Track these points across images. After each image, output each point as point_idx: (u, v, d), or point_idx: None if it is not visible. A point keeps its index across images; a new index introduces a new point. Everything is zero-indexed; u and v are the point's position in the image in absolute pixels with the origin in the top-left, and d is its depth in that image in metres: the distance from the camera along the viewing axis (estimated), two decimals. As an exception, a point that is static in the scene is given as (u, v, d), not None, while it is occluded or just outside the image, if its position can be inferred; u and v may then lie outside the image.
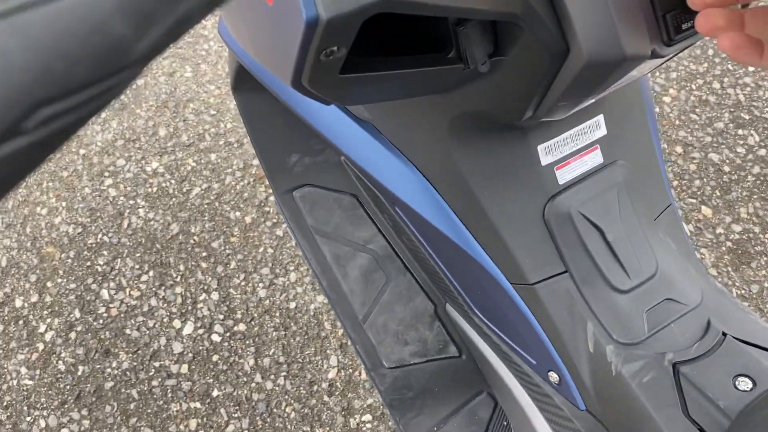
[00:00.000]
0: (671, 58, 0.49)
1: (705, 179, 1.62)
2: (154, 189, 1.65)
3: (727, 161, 1.64)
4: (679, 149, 1.66)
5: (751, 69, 1.77)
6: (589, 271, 0.73)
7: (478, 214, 0.74)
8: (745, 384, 0.65)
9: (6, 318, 1.50)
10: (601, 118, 0.71)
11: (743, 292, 1.46)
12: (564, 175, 0.72)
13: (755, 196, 1.58)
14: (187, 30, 0.21)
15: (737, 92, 1.74)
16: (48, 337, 1.47)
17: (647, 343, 0.71)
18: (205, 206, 1.61)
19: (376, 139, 0.77)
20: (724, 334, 0.70)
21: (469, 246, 0.77)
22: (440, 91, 0.59)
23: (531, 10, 0.45)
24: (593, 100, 0.62)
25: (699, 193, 1.60)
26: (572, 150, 0.71)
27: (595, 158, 0.73)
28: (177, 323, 1.47)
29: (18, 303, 1.52)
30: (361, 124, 0.77)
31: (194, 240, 1.57)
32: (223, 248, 1.56)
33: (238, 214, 1.60)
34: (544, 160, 0.71)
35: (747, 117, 1.70)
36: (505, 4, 0.44)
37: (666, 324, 0.72)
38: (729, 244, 1.53)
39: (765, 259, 1.50)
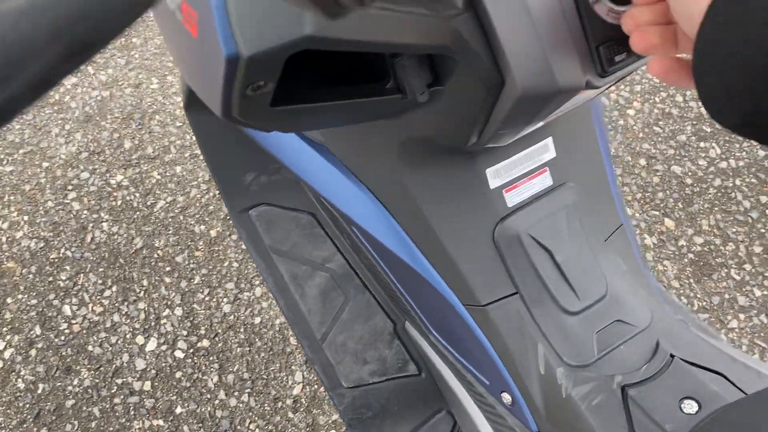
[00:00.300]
0: (609, 87, 0.49)
1: (668, 191, 1.64)
2: (119, 202, 1.63)
3: (690, 174, 1.66)
4: (642, 162, 1.68)
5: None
6: (539, 293, 0.73)
7: (430, 237, 0.74)
8: (690, 407, 0.66)
9: (-36, 335, 1.47)
10: (549, 140, 0.72)
11: (704, 303, 1.48)
12: (513, 198, 0.72)
13: (716, 209, 1.61)
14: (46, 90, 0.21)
15: (699, 105, 1.77)
16: (7, 354, 1.44)
17: (597, 365, 0.71)
18: (170, 220, 1.60)
19: (329, 161, 0.76)
20: (672, 356, 0.70)
21: (422, 268, 0.77)
22: (383, 118, 0.59)
23: (463, 43, 0.45)
24: (540, 125, 0.62)
25: (662, 205, 1.62)
26: (521, 173, 0.72)
27: (544, 181, 0.73)
28: (140, 339, 1.45)
29: (-23, 320, 1.49)
30: (314, 147, 0.77)
31: (158, 254, 1.56)
32: (187, 262, 1.54)
33: (203, 227, 1.59)
34: (493, 183, 0.71)
35: (708, 130, 1.73)
36: (434, 37, 0.44)
37: (615, 346, 0.72)
38: (691, 256, 1.55)
39: (725, 270, 1.52)
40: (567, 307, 0.72)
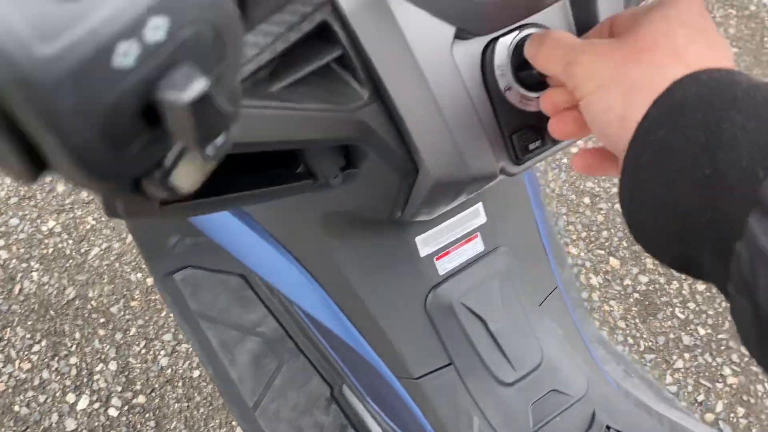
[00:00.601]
0: (523, 171, 0.47)
1: (612, 230, 1.65)
2: (50, 250, 1.56)
3: (633, 212, 1.67)
4: (587, 200, 1.69)
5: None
6: (473, 364, 0.71)
7: (360, 308, 0.71)
8: (626, 481, 0.64)
9: None
10: (479, 206, 0.70)
11: (650, 344, 1.48)
12: (444, 265, 0.70)
13: (660, 247, 1.62)
14: None
15: (641, 143, 1.79)
16: (-75, 418, 1.35)
17: (533, 438, 0.69)
18: (105, 268, 1.53)
19: (253, 229, 0.73)
20: (608, 428, 0.68)
21: (353, 339, 0.74)
22: (298, 194, 0.56)
23: (371, 134, 0.42)
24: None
25: (607, 244, 1.62)
26: (451, 240, 0.69)
27: (476, 246, 0.71)
28: (71, 397, 1.37)
29: None
30: (237, 214, 0.73)
31: (92, 305, 1.49)
32: (122, 313, 1.48)
33: (139, 275, 1.52)
34: (423, 251, 0.68)
35: (651, 167, 1.75)
36: (339, 131, 0.41)
37: (551, 417, 0.70)
38: (636, 295, 1.55)
39: (670, 309, 1.53)
40: (502, 378, 0.70)
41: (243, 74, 0.35)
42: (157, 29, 0.14)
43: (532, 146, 0.45)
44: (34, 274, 1.52)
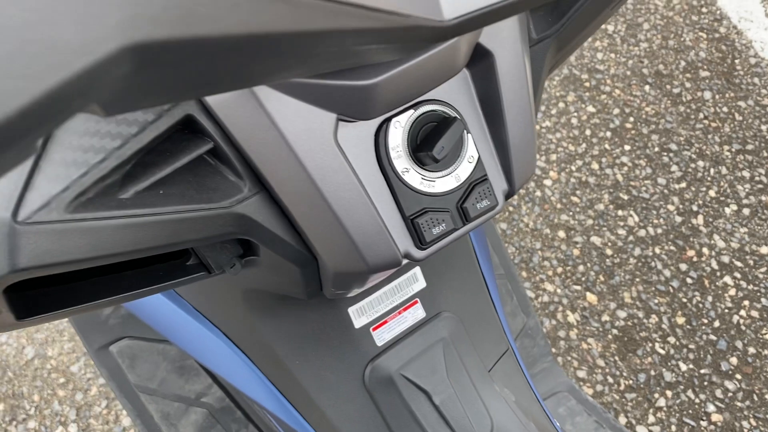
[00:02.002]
0: (430, 256, 0.43)
1: (589, 264, 1.61)
2: (10, 308, 1.51)
3: (609, 244, 1.64)
4: (561, 234, 1.65)
5: (627, 147, 1.80)
6: (419, 440, 0.66)
7: (294, 386, 0.66)
8: None
9: None
10: (417, 270, 0.66)
11: (631, 382, 1.44)
12: (382, 335, 0.66)
13: (637, 279, 1.58)
14: None
15: (615, 172, 1.76)
16: None
17: None
18: (65, 324, 1.48)
19: (175, 303, 0.68)
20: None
21: (293, 419, 0.69)
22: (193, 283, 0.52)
23: (257, 228, 0.38)
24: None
25: (583, 279, 1.58)
26: (388, 308, 0.65)
27: (416, 313, 0.67)
28: (29, 464, 1.32)
29: None
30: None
31: (51, 364, 1.43)
32: (83, 372, 1.42)
33: (101, 331, 1.47)
34: (358, 322, 0.64)
35: (626, 197, 1.72)
36: (217, 228, 0.37)
37: (503, 495, 0.65)
38: (615, 331, 1.51)
39: (650, 345, 1.49)
40: (449, 454, 0.65)
41: (84, 185, 0.31)
42: None
43: (436, 230, 0.41)
44: (-8, 333, 1.47)
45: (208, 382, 0.85)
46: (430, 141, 0.39)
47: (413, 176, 0.40)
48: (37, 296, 0.38)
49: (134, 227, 0.33)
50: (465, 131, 0.41)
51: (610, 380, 1.44)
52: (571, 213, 1.69)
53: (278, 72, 0.22)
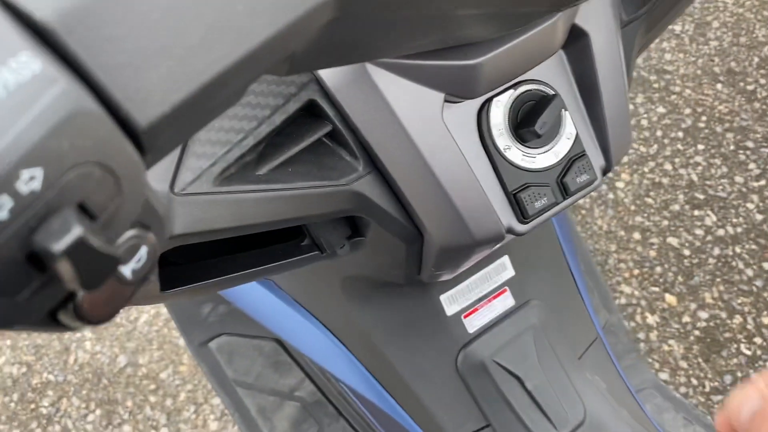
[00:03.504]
0: (532, 230, 0.45)
1: (666, 265, 1.58)
2: (102, 319, 1.59)
3: (687, 244, 1.61)
4: (637, 236, 1.63)
5: (700, 147, 1.77)
6: (512, 424, 0.67)
7: (390, 372, 0.69)
8: None
9: (-57, 474, 1.41)
10: (506, 259, 0.68)
11: (716, 384, 1.40)
12: (473, 323, 0.68)
13: (718, 279, 1.54)
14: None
15: (689, 172, 1.73)
16: (-13, 492, 1.38)
17: (580, 503, 0.65)
18: (154, 334, 1.55)
19: (277, 296, 0.72)
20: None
21: (387, 404, 0.72)
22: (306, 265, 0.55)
23: (369, 204, 0.41)
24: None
25: (661, 280, 1.56)
26: (479, 296, 0.67)
27: (506, 301, 0.69)
28: (125, 466, 1.38)
29: (-43, 456, 1.43)
30: (260, 281, 0.73)
31: (142, 372, 1.50)
32: (172, 378, 1.49)
33: (188, 340, 1.54)
34: (449, 310, 0.66)
35: (702, 197, 1.68)
36: (334, 205, 0.40)
37: (599, 479, 0.66)
38: (697, 333, 1.47)
39: (735, 346, 1.45)
40: (543, 439, 0.66)
41: (228, 161, 0.35)
42: (31, 180, 0.14)
43: (538, 204, 0.43)
44: (87, 343, 1.56)
45: (300, 377, 0.89)
46: (530, 119, 0.42)
47: (515, 153, 0.42)
48: (175, 272, 0.42)
49: (268, 201, 0.37)
50: (563, 109, 0.43)
51: (694, 382, 1.41)
52: (645, 214, 1.67)
53: (421, 38, 0.25)
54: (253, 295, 0.72)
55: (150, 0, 0.15)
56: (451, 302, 0.66)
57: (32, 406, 1.48)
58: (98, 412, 1.46)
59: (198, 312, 0.85)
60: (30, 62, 0.14)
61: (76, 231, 0.15)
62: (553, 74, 0.43)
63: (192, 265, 0.43)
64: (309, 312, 0.72)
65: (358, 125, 0.39)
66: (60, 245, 0.14)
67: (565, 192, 0.44)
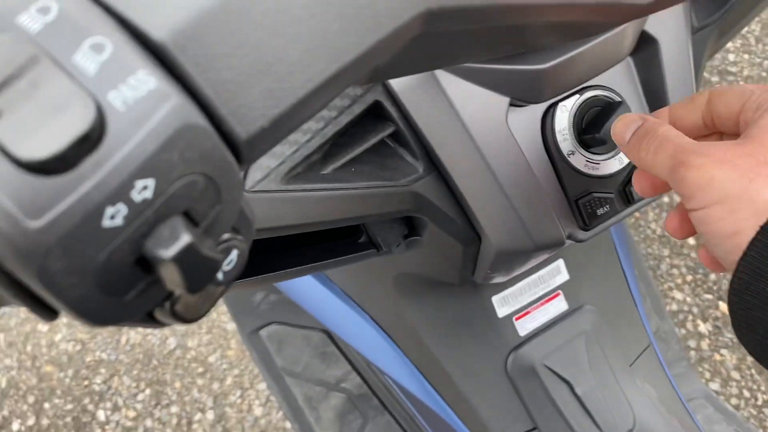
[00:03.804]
0: (593, 237, 0.45)
1: (721, 273, 1.54)
2: (154, 301, 1.64)
3: (744, 252, 1.56)
4: (691, 241, 1.59)
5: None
6: (560, 429, 0.67)
7: (438, 370, 0.69)
8: None
9: (2, 443, 1.47)
10: (561, 263, 0.67)
11: (770, 397, 1.36)
12: (525, 326, 0.67)
13: (776, 290, 1.49)
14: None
15: (750, 177, 1.68)
16: (42, 463, 1.43)
17: None
18: (203, 318, 1.59)
19: (330, 289, 0.73)
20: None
21: (434, 402, 0.72)
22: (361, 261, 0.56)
23: (428, 205, 0.42)
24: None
25: (715, 288, 1.52)
26: (532, 299, 0.67)
27: (559, 305, 0.68)
28: (172, 445, 1.42)
29: (15, 426, 1.49)
30: (314, 275, 0.74)
31: (191, 355, 1.54)
32: (219, 362, 1.52)
33: (235, 325, 1.57)
34: (501, 312, 0.66)
35: (762, 203, 1.63)
36: (395, 205, 0.41)
37: (647, 489, 0.65)
38: (751, 343, 1.43)
39: (791, 359, 1.40)
40: (591, 446, 0.65)
41: (295, 160, 0.36)
42: (144, 190, 0.15)
43: (600, 211, 0.42)
44: (140, 324, 1.60)
45: (347, 369, 0.90)
46: (596, 125, 0.41)
47: (578, 159, 0.42)
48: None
49: (332, 199, 0.37)
50: (629, 115, 0.42)
51: (747, 394, 1.37)
52: (701, 219, 1.62)
53: (496, 47, 0.25)
54: (304, 286, 0.73)
55: (254, 20, 0.16)
56: (503, 304, 0.66)
57: (86, 382, 1.53)
58: (147, 391, 1.50)
59: (250, 300, 0.87)
60: (146, 79, 0.15)
61: (186, 238, 0.15)
62: (619, 80, 0.43)
63: (253, 258, 0.44)
64: (359, 305, 0.73)
65: (421, 127, 0.39)
66: (170, 251, 0.15)
67: (628, 200, 0.43)
